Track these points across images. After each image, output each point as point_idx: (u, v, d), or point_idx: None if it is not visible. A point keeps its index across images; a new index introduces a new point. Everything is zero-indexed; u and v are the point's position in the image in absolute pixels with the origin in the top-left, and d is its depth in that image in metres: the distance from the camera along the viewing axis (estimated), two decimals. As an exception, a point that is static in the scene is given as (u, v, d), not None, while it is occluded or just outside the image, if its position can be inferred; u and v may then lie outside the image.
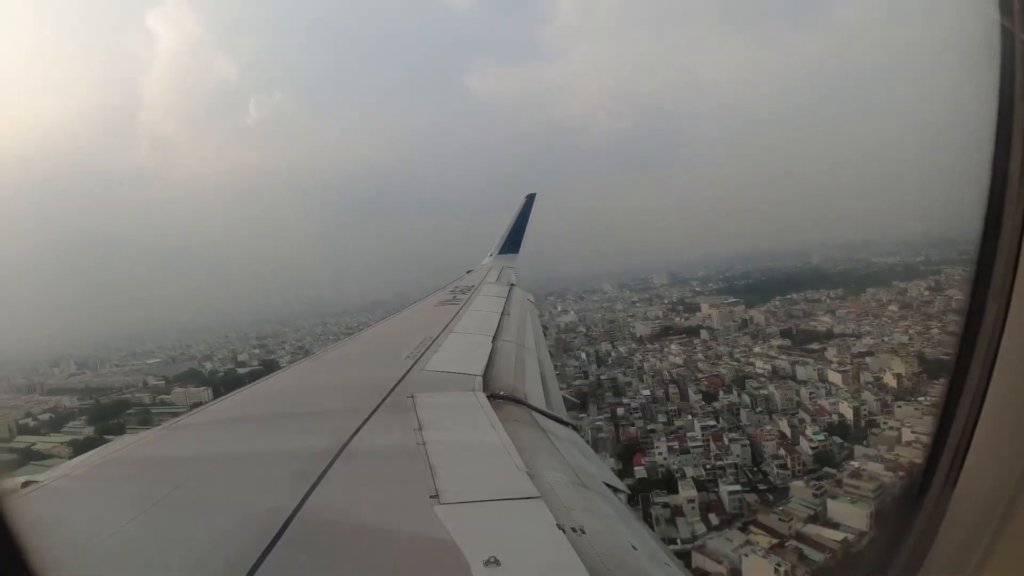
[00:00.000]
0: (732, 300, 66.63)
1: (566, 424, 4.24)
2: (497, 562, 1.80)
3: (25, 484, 2.63)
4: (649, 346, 58.60)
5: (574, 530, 2.12)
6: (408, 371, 4.48)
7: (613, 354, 58.10)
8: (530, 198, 14.76)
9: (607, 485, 3.13)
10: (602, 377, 52.26)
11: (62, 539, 2.08)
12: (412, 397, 3.74)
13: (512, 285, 10.65)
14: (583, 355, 57.95)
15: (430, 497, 2.27)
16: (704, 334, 59.16)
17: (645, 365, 53.51)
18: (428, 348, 5.29)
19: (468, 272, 12.76)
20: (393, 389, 3.95)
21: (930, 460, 1.56)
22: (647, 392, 47.34)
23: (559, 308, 77.62)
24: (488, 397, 3.93)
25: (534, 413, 3.99)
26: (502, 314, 7.49)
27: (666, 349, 57.12)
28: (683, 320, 65.25)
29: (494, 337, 5.98)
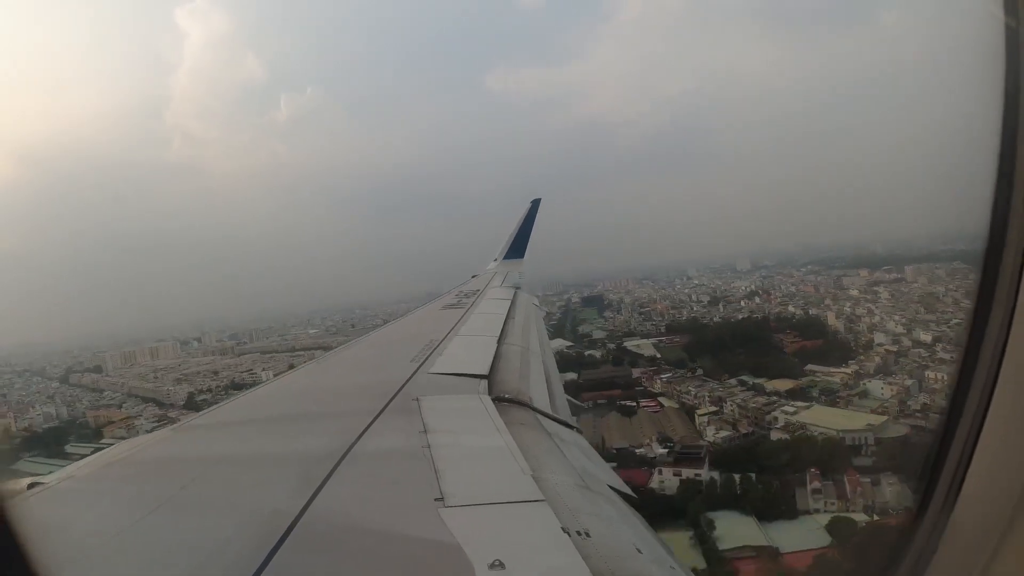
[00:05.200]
0: (887, 267, 64.78)
1: (570, 427, 4.23)
2: (502, 565, 1.79)
3: (31, 486, 2.66)
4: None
5: (579, 533, 2.11)
6: (413, 374, 4.48)
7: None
8: (535, 203, 14.76)
9: (612, 488, 3.12)
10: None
11: (67, 542, 2.10)
12: (417, 400, 3.74)
13: (517, 289, 10.65)
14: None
15: (435, 500, 2.27)
16: (922, 280, 57.88)
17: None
18: (433, 351, 5.30)
19: (473, 277, 12.78)
20: (398, 392, 3.96)
21: (934, 466, 1.54)
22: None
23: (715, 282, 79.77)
24: (493, 400, 3.92)
25: (539, 416, 3.98)
26: (507, 317, 7.49)
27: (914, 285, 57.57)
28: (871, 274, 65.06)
29: (499, 340, 5.98)
